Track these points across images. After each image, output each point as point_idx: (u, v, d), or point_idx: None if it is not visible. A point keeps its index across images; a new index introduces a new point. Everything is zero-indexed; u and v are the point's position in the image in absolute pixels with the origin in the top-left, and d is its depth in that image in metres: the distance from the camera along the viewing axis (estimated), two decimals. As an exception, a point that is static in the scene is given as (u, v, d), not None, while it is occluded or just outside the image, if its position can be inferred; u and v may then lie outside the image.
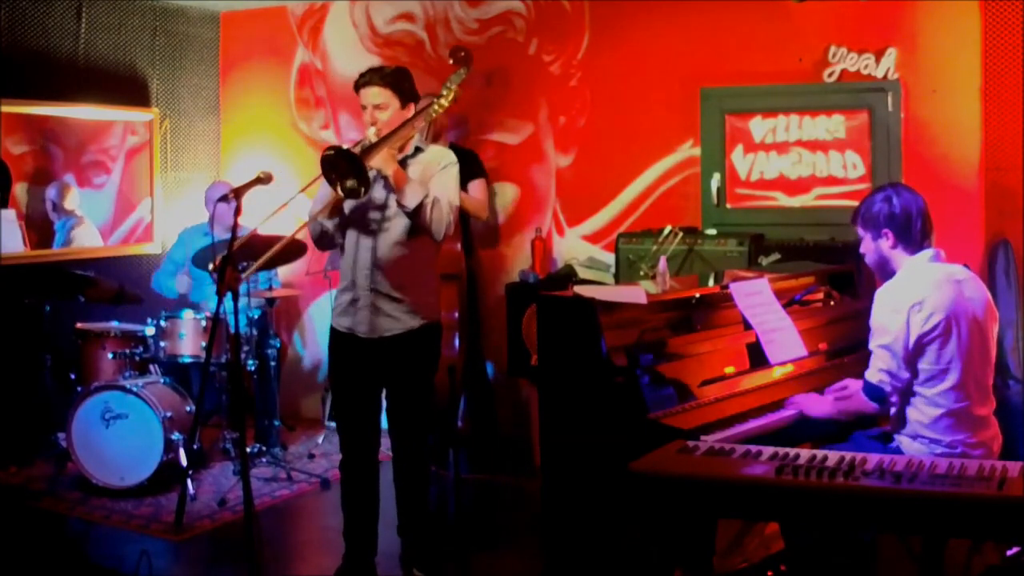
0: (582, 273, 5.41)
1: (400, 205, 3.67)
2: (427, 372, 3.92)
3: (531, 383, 5.39)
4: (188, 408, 5.15)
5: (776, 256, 4.77)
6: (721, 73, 5.23)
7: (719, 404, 3.36)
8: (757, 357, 3.58)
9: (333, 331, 3.90)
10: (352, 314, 3.81)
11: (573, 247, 5.73)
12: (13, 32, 5.64)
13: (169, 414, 4.96)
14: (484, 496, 5.19)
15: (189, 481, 4.89)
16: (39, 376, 5.24)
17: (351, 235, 3.81)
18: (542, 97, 5.80)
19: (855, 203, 3.54)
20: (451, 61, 4.97)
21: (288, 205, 3.89)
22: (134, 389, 4.95)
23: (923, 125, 4.84)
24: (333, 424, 5.42)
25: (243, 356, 5.25)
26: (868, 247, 3.32)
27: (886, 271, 3.29)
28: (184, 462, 4.94)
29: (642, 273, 4.81)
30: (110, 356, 5.26)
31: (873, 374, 3.19)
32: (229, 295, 3.40)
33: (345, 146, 3.63)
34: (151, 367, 5.29)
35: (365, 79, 3.79)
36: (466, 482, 5.23)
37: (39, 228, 5.86)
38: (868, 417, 3.32)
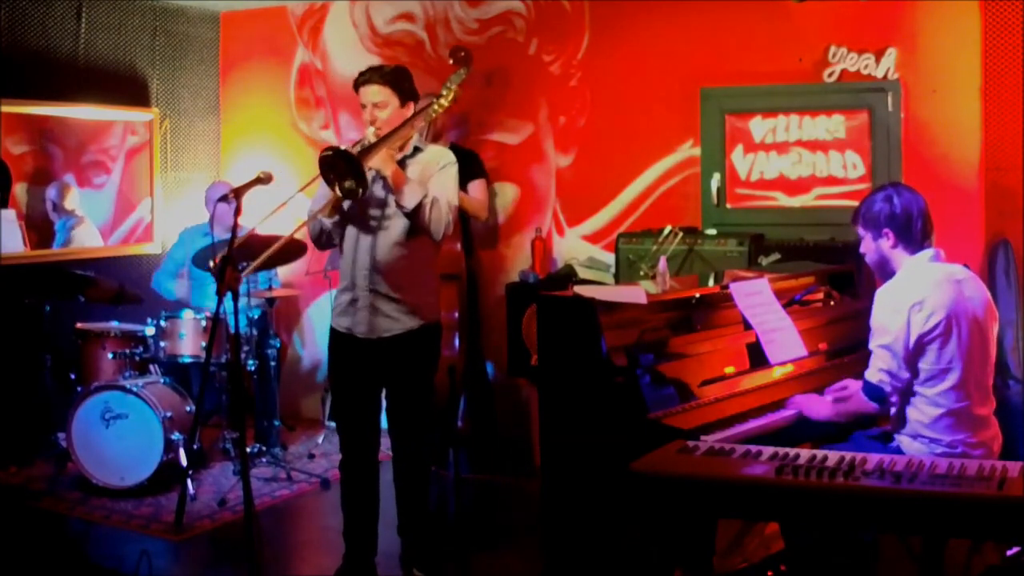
0: (582, 273, 5.40)
1: (399, 205, 3.67)
2: (427, 372, 3.92)
3: (531, 383, 5.39)
4: (188, 408, 5.15)
5: (776, 256, 4.77)
6: (721, 73, 5.23)
7: (719, 404, 3.36)
8: (757, 357, 3.58)
9: (333, 331, 3.90)
10: (351, 314, 3.81)
11: (573, 247, 5.73)
12: (13, 32, 5.64)
13: (169, 414, 4.96)
14: (484, 496, 5.19)
15: (189, 481, 4.89)
16: (39, 376, 5.24)
17: (350, 235, 3.81)
18: (542, 97, 5.80)
19: (855, 203, 3.55)
20: (451, 61, 4.98)
21: (287, 205, 3.89)
22: (134, 389, 4.95)
23: (923, 125, 4.84)
24: (333, 424, 5.41)
25: (243, 356, 5.25)
26: (868, 247, 3.32)
27: (886, 271, 3.29)
28: (184, 462, 4.95)
29: (642, 273, 4.81)
30: (110, 356, 5.26)
31: (873, 374, 3.19)
32: (229, 295, 3.40)
33: (344, 146, 3.63)
34: (151, 367, 5.29)
35: (365, 77, 3.79)
36: (466, 482, 5.23)
37: (39, 228, 5.86)
38: (868, 417, 3.32)
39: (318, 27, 6.51)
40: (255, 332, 5.41)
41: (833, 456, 2.69)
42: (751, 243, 4.74)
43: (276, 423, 5.59)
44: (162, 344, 5.19)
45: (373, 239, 3.76)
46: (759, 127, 5.05)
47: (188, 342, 5.19)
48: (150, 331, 5.24)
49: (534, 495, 4.67)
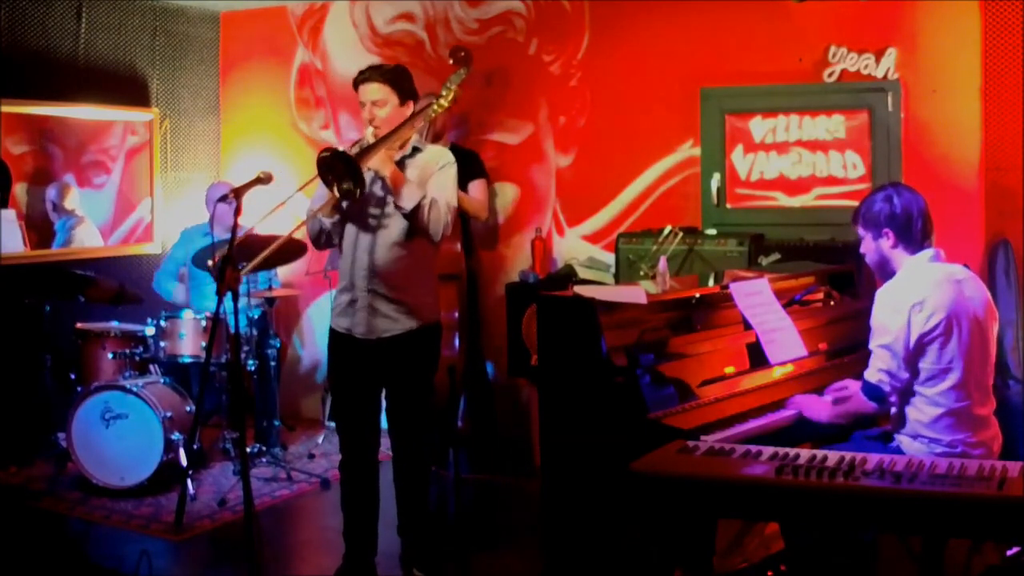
0: (582, 273, 5.40)
1: (397, 206, 3.66)
2: (426, 373, 3.91)
3: (531, 383, 5.39)
4: (188, 408, 5.15)
5: (776, 256, 4.77)
6: (721, 73, 5.23)
7: (719, 404, 3.36)
8: (757, 357, 3.58)
9: (332, 332, 3.90)
10: (350, 315, 3.81)
11: (573, 247, 5.73)
12: (13, 32, 5.64)
13: (169, 414, 4.96)
14: (484, 496, 5.19)
15: (189, 481, 4.89)
16: (39, 376, 5.24)
17: (349, 235, 3.81)
18: (542, 97, 5.80)
19: (855, 203, 3.55)
20: (451, 61, 4.98)
21: (286, 204, 3.89)
22: (134, 389, 4.95)
23: (923, 125, 4.84)
24: (333, 424, 5.41)
25: (243, 356, 5.25)
26: (868, 247, 3.32)
27: (886, 271, 3.29)
28: (184, 462, 4.95)
29: (642, 273, 4.81)
30: (110, 356, 5.26)
31: (872, 374, 3.19)
32: (229, 295, 3.40)
33: (342, 147, 3.62)
34: (151, 367, 5.29)
35: (364, 76, 3.79)
36: (466, 482, 5.23)
37: (39, 228, 5.86)
38: (868, 417, 3.32)
39: (318, 27, 6.51)
40: (255, 332, 5.41)
41: (833, 456, 2.69)
42: (751, 243, 4.74)
43: (276, 423, 5.59)
44: (162, 344, 5.19)
45: (372, 239, 3.76)
46: (759, 127, 5.05)
47: (188, 342, 5.19)
48: (150, 331, 5.24)
49: (534, 495, 4.67)
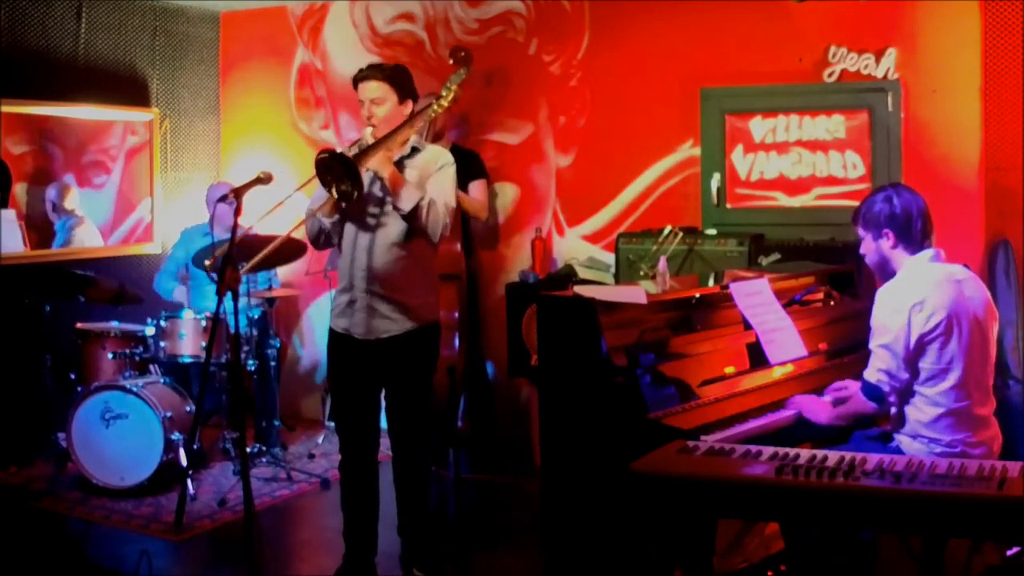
0: (582, 273, 5.40)
1: (396, 208, 3.66)
2: (425, 373, 3.91)
3: (531, 383, 5.39)
4: (188, 408, 5.15)
5: (776, 256, 4.77)
6: (721, 73, 5.23)
7: (719, 404, 3.36)
8: (757, 357, 3.58)
9: (331, 332, 3.90)
10: (349, 315, 3.81)
11: (573, 247, 5.73)
12: (13, 32, 5.64)
13: (169, 414, 4.96)
14: (484, 496, 5.19)
15: (189, 481, 4.89)
16: (39, 376, 5.24)
17: (348, 236, 3.81)
18: (542, 97, 5.80)
19: (855, 203, 3.55)
20: (451, 61, 4.98)
21: (284, 204, 3.88)
22: (134, 389, 4.95)
23: (923, 125, 4.84)
24: (333, 424, 5.42)
25: (243, 356, 5.25)
26: (868, 247, 3.32)
27: (886, 271, 3.29)
28: (184, 462, 4.95)
29: (642, 273, 4.81)
30: (110, 356, 5.26)
31: (872, 373, 3.19)
32: (229, 295, 3.40)
33: (340, 149, 3.62)
34: (151, 367, 5.29)
35: (364, 74, 3.80)
36: (466, 482, 5.23)
37: (39, 228, 5.86)
38: (868, 417, 3.32)
39: (318, 27, 6.51)
40: (255, 332, 5.42)
41: (833, 456, 2.69)
42: (751, 243, 4.74)
43: (276, 423, 5.59)
44: (162, 344, 5.19)
45: (371, 240, 3.76)
46: (759, 127, 5.05)
47: (188, 342, 5.19)
48: (150, 331, 5.24)
49: (534, 495, 4.67)
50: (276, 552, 4.33)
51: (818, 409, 3.42)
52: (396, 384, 3.87)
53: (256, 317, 5.53)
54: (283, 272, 6.16)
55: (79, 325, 5.40)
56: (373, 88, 3.76)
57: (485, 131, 5.92)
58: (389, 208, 3.71)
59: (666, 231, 4.89)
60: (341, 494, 3.96)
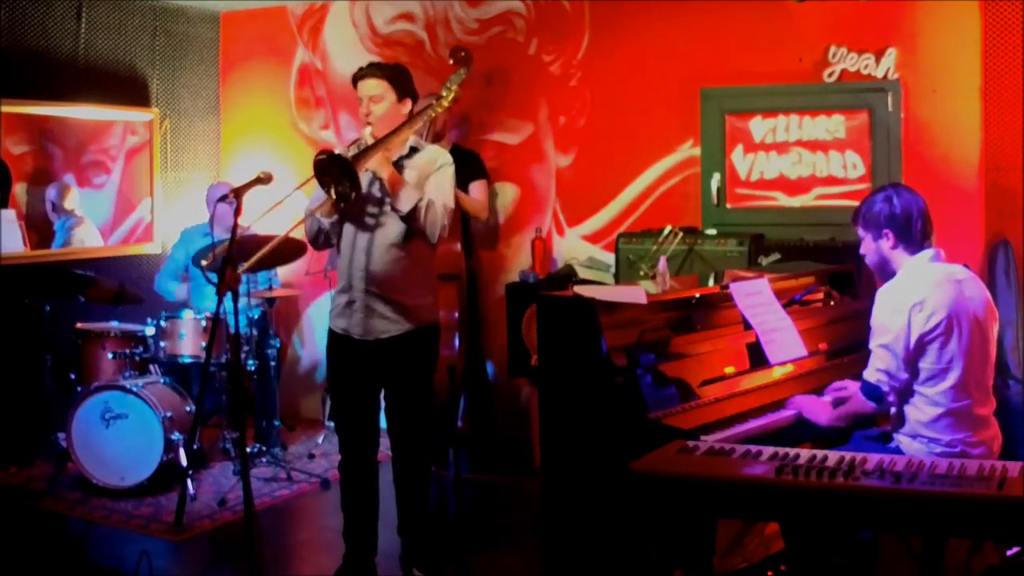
0: (582, 273, 5.40)
1: (394, 208, 3.66)
2: (424, 374, 3.90)
3: (531, 383, 5.39)
4: (188, 408, 5.15)
5: (776, 256, 4.77)
6: (721, 73, 5.23)
7: (719, 404, 3.36)
8: (757, 357, 3.58)
9: (330, 332, 3.90)
10: (348, 316, 3.81)
11: (573, 247, 5.73)
12: (13, 32, 5.64)
13: (169, 414, 4.96)
14: (484, 496, 5.19)
15: (189, 481, 4.89)
16: (39, 376, 5.24)
17: (347, 236, 3.80)
18: (542, 97, 5.80)
19: (855, 203, 3.55)
20: (451, 61, 4.97)
21: (287, 204, 3.89)
22: (134, 389, 4.95)
23: (923, 125, 4.84)
24: (333, 424, 5.42)
25: (243, 356, 5.25)
26: (868, 247, 3.32)
27: (886, 271, 3.29)
28: (184, 462, 4.95)
29: (642, 273, 4.81)
30: (110, 356, 5.26)
31: (871, 373, 3.19)
32: (229, 295, 3.40)
33: (339, 149, 3.62)
34: (151, 367, 5.29)
35: (363, 72, 3.80)
36: (466, 482, 5.24)
37: (39, 228, 5.86)
38: (867, 417, 3.32)
39: (318, 27, 6.51)
40: (255, 332, 5.42)
41: (833, 456, 2.69)
42: (751, 243, 4.74)
43: (276, 423, 5.59)
44: (162, 344, 5.19)
45: (369, 240, 3.75)
46: (759, 127, 5.05)
47: (188, 342, 5.19)
48: (150, 331, 5.24)
49: (534, 495, 4.67)
50: (276, 552, 4.33)
51: (818, 409, 3.42)
52: (395, 385, 3.86)
53: (256, 317, 5.53)
54: (283, 272, 6.16)
55: (79, 325, 5.40)
56: (372, 86, 3.76)
57: (485, 131, 5.92)
58: (388, 208, 3.71)
59: (666, 231, 4.89)
60: (341, 494, 3.96)
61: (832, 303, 4.15)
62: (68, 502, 4.91)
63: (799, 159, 4.98)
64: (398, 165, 3.74)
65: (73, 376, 5.30)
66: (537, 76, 5.79)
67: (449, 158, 3.88)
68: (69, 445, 5.01)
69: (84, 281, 5.20)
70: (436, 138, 5.32)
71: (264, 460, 5.34)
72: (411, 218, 3.65)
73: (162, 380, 5.19)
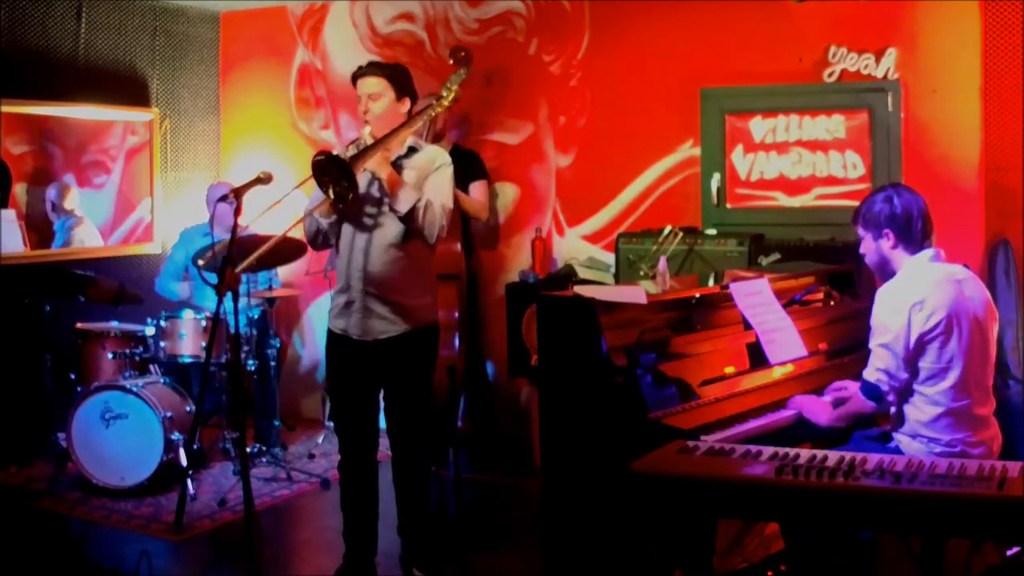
0: (582, 273, 5.40)
1: (392, 209, 3.66)
2: (423, 375, 3.90)
3: (531, 383, 5.39)
4: (188, 408, 5.15)
5: (776, 256, 4.77)
6: (721, 73, 5.23)
7: (719, 404, 3.36)
8: (757, 357, 3.58)
9: (329, 333, 3.89)
10: (346, 316, 3.80)
11: (573, 247, 5.73)
12: (13, 32, 5.64)
13: (169, 414, 4.96)
14: (484, 496, 5.19)
15: (189, 481, 4.89)
16: (39, 376, 5.24)
17: (345, 237, 3.80)
18: (542, 97, 5.80)
19: (855, 203, 3.55)
20: (451, 61, 4.98)
21: (281, 204, 3.87)
22: (134, 389, 4.95)
23: (923, 125, 4.84)
24: (333, 424, 5.42)
25: (243, 356, 5.25)
26: (868, 247, 3.32)
27: (886, 271, 3.29)
28: (184, 462, 4.95)
29: (642, 273, 4.81)
30: (110, 356, 5.26)
31: (871, 373, 3.19)
32: (229, 295, 3.40)
33: (337, 149, 3.62)
34: (151, 367, 5.29)
35: (362, 70, 3.80)
36: (466, 482, 5.23)
37: (39, 228, 5.86)
38: (867, 417, 3.32)
39: (318, 27, 6.51)
40: (255, 332, 5.42)
41: (833, 456, 2.69)
42: (751, 243, 4.74)
43: (276, 423, 5.59)
44: (162, 344, 5.19)
45: (367, 240, 3.75)
46: (759, 127, 5.05)
47: (188, 342, 5.19)
48: (150, 331, 5.24)
49: (534, 495, 4.67)
50: (276, 552, 4.33)
51: (818, 409, 3.42)
52: (394, 385, 3.86)
53: (256, 317, 5.53)
54: (283, 272, 6.16)
55: (79, 325, 5.40)
56: (371, 84, 3.76)
57: (485, 131, 5.92)
58: (386, 209, 3.71)
59: (666, 231, 4.89)
60: (341, 494, 3.96)
61: (832, 303, 4.15)
62: (68, 502, 4.91)
63: (799, 159, 4.98)
64: (397, 165, 3.73)
65: (73, 376, 5.30)
66: (537, 76, 5.79)
67: (448, 158, 3.87)
68: (69, 445, 5.01)
69: (84, 281, 5.20)
70: (436, 138, 5.32)
71: (264, 460, 5.34)
72: (409, 218, 3.64)
73: (162, 380, 5.19)
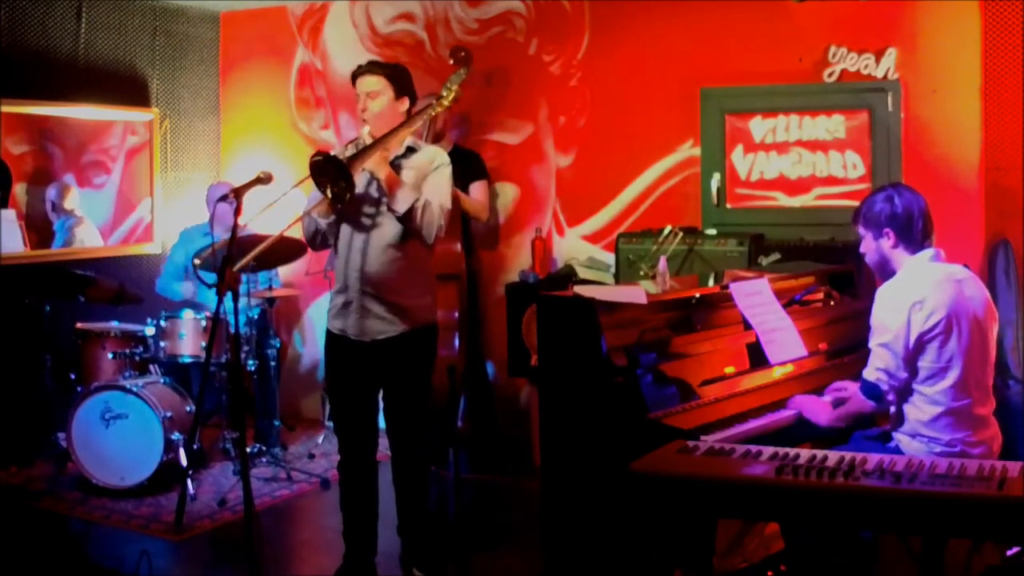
0: (582, 273, 5.40)
1: (390, 209, 3.65)
2: (421, 376, 3.89)
3: (531, 383, 5.39)
4: (188, 408, 5.15)
5: (776, 256, 4.77)
6: (721, 73, 5.23)
7: (719, 404, 3.36)
8: (757, 357, 3.58)
9: (328, 333, 3.89)
10: (344, 317, 3.80)
11: (573, 247, 5.73)
12: (13, 32, 5.64)
13: (169, 414, 4.96)
14: (484, 496, 5.19)
15: (189, 481, 4.89)
16: (39, 376, 5.24)
17: (344, 236, 3.80)
18: (542, 97, 5.80)
19: (855, 203, 3.55)
20: (451, 61, 4.98)
21: (278, 203, 3.87)
22: (134, 389, 4.95)
23: (923, 125, 4.84)
24: (333, 424, 5.42)
25: (243, 356, 5.25)
26: (869, 246, 3.32)
27: (886, 271, 3.30)
28: (184, 462, 4.95)
29: (642, 273, 4.81)
30: (110, 356, 5.26)
31: (871, 372, 3.20)
32: (229, 295, 3.40)
33: (337, 148, 3.62)
34: (151, 367, 5.29)
35: (362, 69, 3.81)
36: (466, 482, 5.23)
37: (39, 228, 5.86)
38: (867, 417, 3.33)
39: (318, 27, 6.51)
40: (255, 332, 5.41)
41: (833, 456, 2.69)
42: (751, 243, 4.74)
43: (276, 423, 5.59)
44: (162, 344, 5.19)
45: (365, 241, 3.75)
46: (759, 127, 5.05)
47: (188, 342, 5.19)
48: (150, 331, 5.24)
49: (534, 495, 4.67)
50: (276, 552, 4.33)
51: (818, 409, 3.43)
52: (392, 386, 3.86)
53: (256, 317, 5.53)
54: (283, 272, 6.16)
55: (79, 325, 5.40)
56: (370, 82, 3.76)
57: (485, 131, 5.92)
58: (384, 209, 3.70)
59: (666, 231, 4.89)
60: (340, 494, 3.96)
61: (832, 303, 4.15)
62: (68, 502, 4.91)
63: (799, 159, 4.98)
64: (395, 165, 3.73)
65: (73, 376, 5.30)
66: (537, 76, 5.79)
67: (447, 158, 3.87)
68: (69, 445, 5.01)
69: (84, 281, 5.20)
70: (436, 138, 5.32)
71: (264, 460, 5.34)
72: (407, 218, 3.64)
73: (162, 380, 5.19)
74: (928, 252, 3.23)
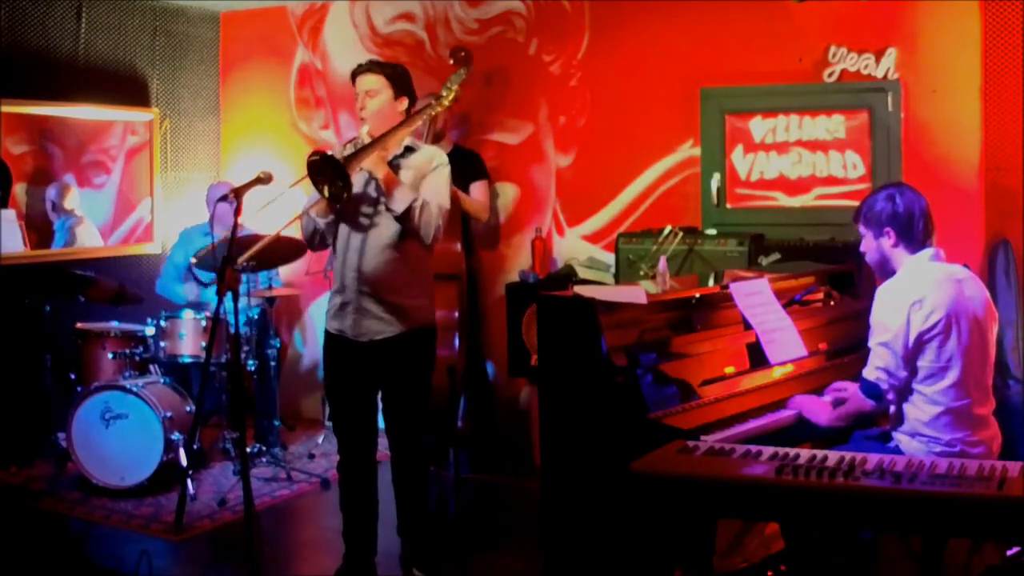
0: (582, 273, 5.40)
1: (388, 209, 3.65)
2: (420, 376, 3.88)
3: (531, 383, 5.39)
4: (188, 408, 5.15)
5: (776, 256, 4.77)
6: (721, 73, 5.23)
7: (719, 404, 3.36)
8: (757, 357, 3.58)
9: (326, 333, 3.89)
10: (342, 317, 3.80)
11: (573, 247, 5.73)
12: (13, 32, 5.64)
13: (169, 414, 4.96)
14: (484, 496, 5.19)
15: (189, 481, 4.89)
16: (39, 376, 5.24)
17: (342, 236, 3.80)
18: (542, 97, 5.80)
19: (855, 203, 3.55)
20: (451, 61, 4.99)
21: (276, 203, 3.88)
22: (134, 389, 4.95)
23: (923, 125, 4.84)
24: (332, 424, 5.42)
25: (243, 356, 5.25)
26: (869, 246, 3.32)
27: (886, 270, 3.30)
28: (184, 462, 4.95)
29: (642, 273, 4.81)
30: (110, 356, 5.26)
31: (870, 371, 3.20)
32: (229, 295, 3.40)
33: (335, 148, 3.62)
34: (151, 367, 5.29)
35: (361, 67, 3.81)
36: (466, 482, 5.23)
37: (39, 228, 5.86)
38: (867, 416, 3.33)
39: (318, 27, 6.51)
40: (255, 332, 5.41)
41: (833, 456, 2.69)
42: (751, 243, 4.74)
43: (276, 423, 5.59)
44: (162, 344, 5.19)
45: (363, 241, 3.74)
46: (759, 127, 5.05)
47: (188, 342, 5.19)
48: (150, 331, 5.24)
49: (534, 495, 4.67)
50: (276, 552, 4.33)
51: (818, 409, 3.43)
52: (391, 387, 3.86)
53: (256, 317, 5.53)
54: (284, 272, 6.16)
55: (79, 325, 5.40)
56: (369, 81, 3.76)
57: (485, 131, 5.92)
58: (382, 209, 3.69)
59: (666, 231, 4.89)
60: (340, 494, 3.96)
61: (832, 303, 4.15)
62: (68, 502, 4.91)
63: (799, 159, 4.98)
64: (393, 165, 3.72)
65: (73, 376, 5.30)
66: (537, 76, 5.79)
67: (445, 159, 3.86)
68: (69, 445, 5.01)
69: (84, 281, 5.20)
70: (436, 138, 5.32)
71: (264, 460, 5.33)
72: (405, 218, 3.63)
73: (162, 380, 5.19)
74: (928, 252, 3.23)
